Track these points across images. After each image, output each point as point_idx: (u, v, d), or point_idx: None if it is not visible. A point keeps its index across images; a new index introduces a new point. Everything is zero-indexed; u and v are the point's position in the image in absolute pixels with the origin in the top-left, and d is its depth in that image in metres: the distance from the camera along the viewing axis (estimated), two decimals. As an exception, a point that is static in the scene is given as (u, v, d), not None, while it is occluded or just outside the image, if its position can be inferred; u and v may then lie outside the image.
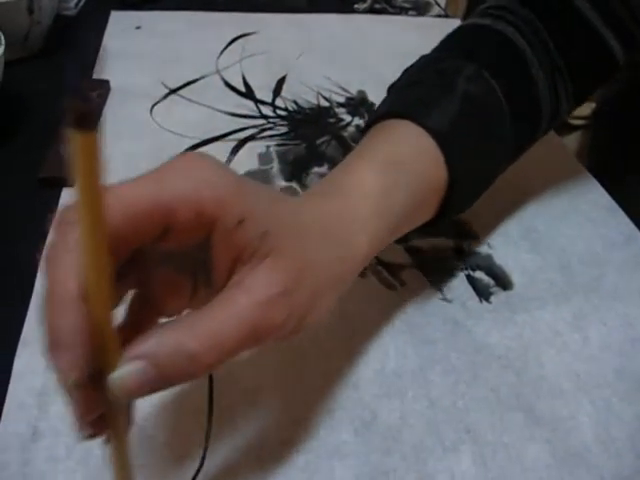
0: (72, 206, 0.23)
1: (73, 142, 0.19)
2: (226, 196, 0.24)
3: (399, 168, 0.35)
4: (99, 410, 0.24)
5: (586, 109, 0.85)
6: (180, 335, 0.24)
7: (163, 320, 0.28)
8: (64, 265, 0.23)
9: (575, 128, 0.83)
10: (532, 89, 0.41)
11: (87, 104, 0.18)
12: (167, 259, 0.27)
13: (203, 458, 0.34)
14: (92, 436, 0.25)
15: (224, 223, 0.24)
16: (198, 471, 0.33)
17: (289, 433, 0.35)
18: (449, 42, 0.44)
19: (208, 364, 0.24)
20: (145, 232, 0.24)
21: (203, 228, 0.25)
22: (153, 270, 0.27)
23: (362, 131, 0.40)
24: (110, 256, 0.22)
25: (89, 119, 0.19)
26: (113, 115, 0.57)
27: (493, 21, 0.42)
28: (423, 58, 0.42)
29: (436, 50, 0.43)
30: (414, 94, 0.39)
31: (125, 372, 0.23)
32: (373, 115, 0.40)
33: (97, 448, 0.34)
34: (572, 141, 0.77)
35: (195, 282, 0.28)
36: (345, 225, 0.31)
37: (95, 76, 0.63)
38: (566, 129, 0.79)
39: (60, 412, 0.36)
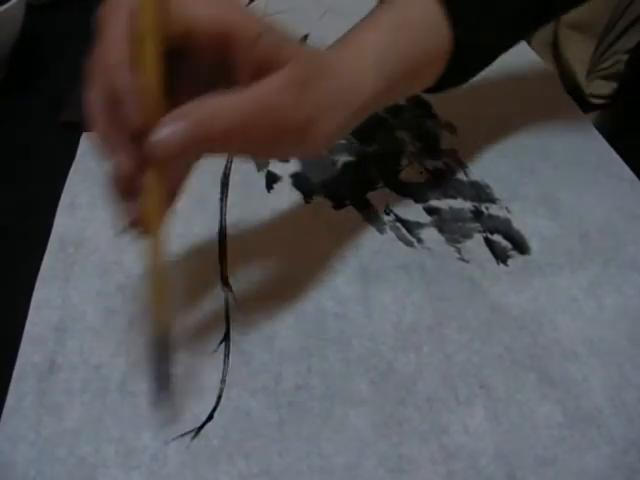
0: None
1: None
2: (246, 14, 0.27)
3: (400, 29, 0.36)
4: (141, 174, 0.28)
5: (607, 88, 0.84)
6: (216, 102, 0.27)
7: None
8: (117, 31, 0.27)
9: (596, 107, 0.83)
10: None
11: None
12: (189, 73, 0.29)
13: (218, 400, 0.34)
14: (133, 224, 0.28)
15: (244, 37, 0.27)
16: (213, 412, 0.34)
17: (305, 380, 0.35)
18: None
19: (241, 130, 0.28)
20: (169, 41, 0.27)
21: (221, 43, 0.27)
22: (175, 82, 0.29)
23: None
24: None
25: None
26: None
27: None
28: None
29: None
30: None
31: (167, 129, 0.26)
32: None
33: (113, 383, 0.35)
34: (592, 120, 0.77)
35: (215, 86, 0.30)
36: (350, 66, 0.33)
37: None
38: (587, 108, 0.78)
39: (77, 347, 0.36)
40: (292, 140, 0.31)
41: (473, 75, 0.42)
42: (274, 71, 0.28)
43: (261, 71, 0.28)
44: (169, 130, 0.26)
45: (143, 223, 0.29)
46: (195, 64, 0.29)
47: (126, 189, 0.28)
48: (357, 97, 0.34)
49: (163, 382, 0.31)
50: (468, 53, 0.39)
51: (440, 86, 0.40)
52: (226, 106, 0.27)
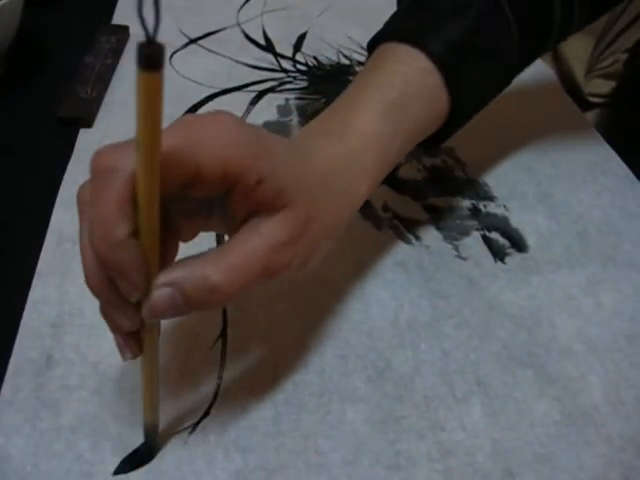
0: (109, 154, 0.25)
1: (139, 81, 0.20)
2: (248, 158, 0.27)
3: (401, 111, 0.35)
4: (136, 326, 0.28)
5: (605, 87, 0.84)
6: (206, 269, 0.27)
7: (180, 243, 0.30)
8: (112, 207, 0.24)
9: (594, 106, 0.83)
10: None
11: (155, 46, 0.19)
12: (187, 200, 0.28)
13: (215, 396, 0.34)
14: (132, 355, 0.29)
15: (244, 182, 0.27)
16: (210, 407, 0.34)
17: (302, 376, 0.35)
18: None
19: (228, 295, 0.27)
20: (173, 181, 0.26)
21: (225, 184, 0.27)
22: (173, 205, 0.28)
23: (368, 47, 0.40)
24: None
25: (156, 60, 0.20)
26: (132, 61, 0.56)
27: None
28: None
29: None
30: (422, 15, 0.38)
31: (155, 297, 0.26)
32: (381, 33, 0.39)
33: (110, 379, 0.35)
34: (591, 118, 0.77)
35: (210, 211, 0.30)
36: (349, 175, 0.33)
37: (115, 22, 0.63)
38: (585, 107, 0.78)
39: (74, 343, 0.36)
40: (283, 275, 0.30)
41: (469, 121, 0.41)
42: (270, 213, 0.28)
43: (257, 209, 0.28)
44: (160, 300, 0.26)
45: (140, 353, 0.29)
46: (194, 197, 0.28)
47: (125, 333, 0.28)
48: (352, 210, 0.34)
49: (145, 456, 0.32)
50: (467, 106, 0.39)
51: (436, 141, 0.40)
52: (217, 274, 0.27)
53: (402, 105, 0.35)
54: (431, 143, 0.40)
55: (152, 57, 0.19)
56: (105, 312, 0.28)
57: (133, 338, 0.28)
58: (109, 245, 0.25)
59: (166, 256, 0.29)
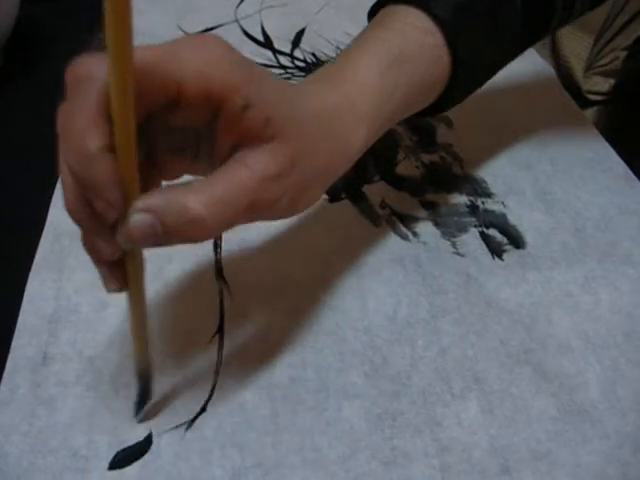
0: (83, 64, 0.24)
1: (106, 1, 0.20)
2: (234, 80, 0.25)
3: (401, 67, 0.35)
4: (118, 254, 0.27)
5: (604, 85, 0.84)
6: (188, 198, 0.25)
7: (165, 183, 0.30)
8: (85, 119, 0.24)
9: (593, 103, 0.82)
10: None
11: None
12: (173, 131, 0.28)
13: (212, 392, 0.34)
14: (116, 287, 0.28)
15: (230, 106, 0.25)
16: (206, 404, 0.34)
17: (299, 372, 0.35)
18: None
19: (210, 228, 0.26)
20: (153, 99, 0.25)
21: (209, 107, 0.25)
22: (158, 138, 0.28)
23: (369, 12, 0.39)
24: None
25: None
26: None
27: None
28: None
29: None
30: None
31: (133, 222, 0.25)
32: None
33: (106, 375, 0.34)
34: (589, 116, 0.77)
35: (197, 148, 0.29)
36: (343, 120, 0.32)
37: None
38: (584, 104, 0.78)
39: (70, 338, 0.36)
40: (270, 216, 0.30)
41: (471, 93, 0.41)
42: (257, 144, 0.27)
43: (244, 139, 0.27)
44: (137, 226, 0.25)
45: (125, 285, 0.28)
46: (178, 124, 0.27)
47: (108, 263, 0.28)
48: (346, 159, 0.33)
49: (143, 400, 0.33)
50: (468, 74, 0.38)
51: (437, 109, 0.39)
52: (198, 204, 0.25)
53: (402, 61, 0.35)
54: (431, 112, 0.39)
55: None
56: (85, 240, 0.27)
57: (117, 270, 0.27)
58: (82, 159, 0.24)
59: (149, 190, 0.28)
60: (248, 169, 0.27)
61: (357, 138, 0.33)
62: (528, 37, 0.42)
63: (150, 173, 0.29)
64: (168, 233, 0.25)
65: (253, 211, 0.27)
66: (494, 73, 0.42)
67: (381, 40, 0.35)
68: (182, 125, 0.27)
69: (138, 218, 0.25)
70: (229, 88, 0.25)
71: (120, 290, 0.28)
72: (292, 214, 0.31)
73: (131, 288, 0.28)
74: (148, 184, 0.28)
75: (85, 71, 0.24)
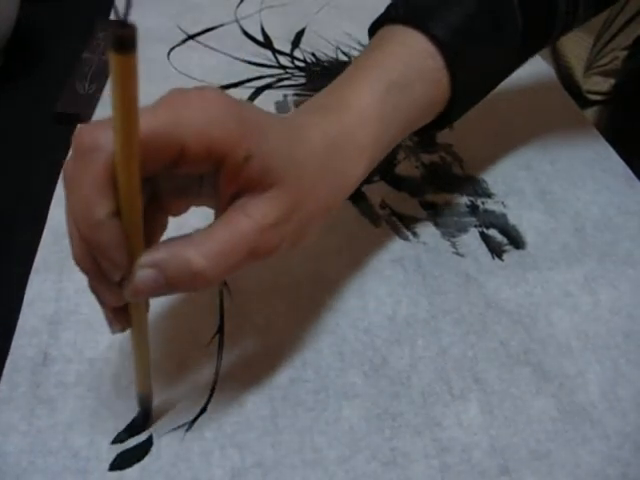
0: (90, 132, 0.25)
1: (112, 64, 0.20)
2: (235, 135, 0.26)
3: (401, 92, 0.35)
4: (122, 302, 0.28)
5: (604, 85, 0.84)
6: (189, 252, 0.26)
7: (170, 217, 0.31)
8: (92, 187, 0.24)
9: (593, 103, 0.82)
10: None
11: (127, 28, 0.19)
12: (176, 176, 0.28)
13: (212, 393, 0.34)
14: (120, 328, 0.29)
15: (232, 159, 0.26)
16: (206, 404, 0.34)
17: (298, 372, 0.35)
18: None
19: (211, 279, 0.27)
20: (158, 161, 0.25)
21: (212, 161, 0.26)
22: (162, 183, 0.28)
23: (369, 31, 0.39)
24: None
25: (129, 42, 0.19)
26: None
27: None
28: None
29: None
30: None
31: (138, 278, 0.26)
32: (383, 16, 0.38)
33: (107, 376, 0.34)
34: (589, 116, 0.77)
35: (200, 186, 0.29)
36: (343, 154, 0.32)
37: (113, 17, 0.62)
38: (584, 104, 0.78)
39: (71, 340, 0.36)
40: (271, 257, 0.30)
41: (469, 110, 0.41)
42: (258, 192, 0.27)
43: (245, 188, 0.27)
44: (142, 281, 0.26)
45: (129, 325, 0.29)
46: (181, 174, 0.28)
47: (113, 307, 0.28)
48: (346, 192, 0.33)
49: (141, 425, 0.33)
50: (467, 94, 0.38)
51: (434, 127, 0.39)
52: (200, 258, 0.26)
53: (402, 86, 0.35)
54: (432, 129, 0.39)
55: (125, 39, 0.19)
56: (93, 287, 0.28)
57: (121, 312, 0.28)
58: (89, 225, 0.24)
59: (155, 230, 0.29)
60: (248, 218, 0.27)
61: (357, 170, 0.33)
62: (528, 51, 0.42)
63: (155, 213, 0.29)
64: (171, 285, 0.26)
65: (254, 258, 0.28)
66: (493, 88, 0.42)
67: (380, 65, 0.35)
68: (185, 175, 0.28)
69: (143, 273, 0.26)
70: (231, 143, 0.26)
71: (123, 330, 0.29)
72: (294, 250, 0.31)
73: (135, 328, 0.29)
74: (154, 224, 0.29)
75: (92, 140, 0.25)
